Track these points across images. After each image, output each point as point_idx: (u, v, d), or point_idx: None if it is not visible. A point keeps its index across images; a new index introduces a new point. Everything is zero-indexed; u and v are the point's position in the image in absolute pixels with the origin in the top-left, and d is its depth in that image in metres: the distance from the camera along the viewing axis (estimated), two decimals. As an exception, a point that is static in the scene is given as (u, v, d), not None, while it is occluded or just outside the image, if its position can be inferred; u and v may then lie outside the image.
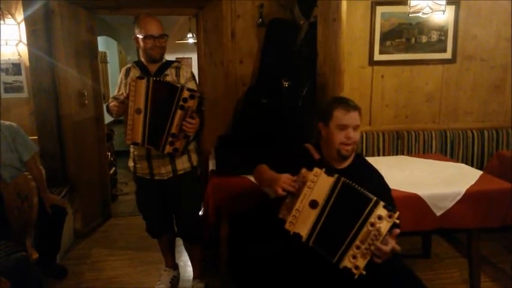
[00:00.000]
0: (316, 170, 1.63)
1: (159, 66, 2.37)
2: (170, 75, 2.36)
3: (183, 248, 2.89)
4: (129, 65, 2.48)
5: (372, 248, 1.55)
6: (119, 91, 2.44)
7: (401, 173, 2.55)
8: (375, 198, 1.59)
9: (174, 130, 2.13)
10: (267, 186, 1.89)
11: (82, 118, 3.51)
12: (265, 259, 1.81)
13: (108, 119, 4.05)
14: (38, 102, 3.21)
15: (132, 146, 2.38)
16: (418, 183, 2.37)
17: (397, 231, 1.61)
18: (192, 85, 2.37)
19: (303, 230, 1.61)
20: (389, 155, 3.26)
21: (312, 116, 3.13)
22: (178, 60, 2.52)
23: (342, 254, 1.57)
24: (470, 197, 2.29)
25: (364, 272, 1.56)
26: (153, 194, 2.48)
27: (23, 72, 3.23)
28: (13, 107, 3.23)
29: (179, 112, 2.11)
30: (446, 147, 3.32)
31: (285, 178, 1.71)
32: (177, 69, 2.40)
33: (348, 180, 1.62)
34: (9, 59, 3.19)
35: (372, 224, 1.56)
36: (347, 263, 1.57)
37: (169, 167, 2.38)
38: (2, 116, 2.82)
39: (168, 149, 2.16)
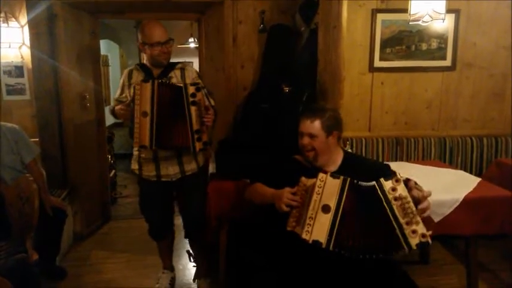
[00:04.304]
0: (321, 175, 1.64)
1: (162, 68, 2.35)
2: (175, 77, 2.34)
3: (183, 251, 2.89)
4: (131, 67, 2.44)
5: (414, 211, 1.57)
6: (121, 94, 2.40)
7: (400, 179, 2.56)
8: (376, 180, 1.62)
9: (196, 126, 2.15)
10: (268, 203, 1.85)
11: (83, 121, 3.52)
12: (264, 267, 1.81)
13: (108, 121, 4.06)
14: (40, 104, 3.23)
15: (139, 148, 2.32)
16: (416, 189, 2.38)
17: (412, 182, 1.65)
18: None
19: (321, 237, 1.58)
20: (388, 161, 3.26)
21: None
22: (181, 62, 2.50)
23: (404, 238, 1.56)
24: (469, 203, 2.30)
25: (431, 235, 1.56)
26: (159, 196, 2.47)
27: (25, 74, 3.25)
28: (15, 109, 3.25)
29: (193, 108, 2.12)
30: (445, 154, 3.33)
31: (287, 193, 1.70)
32: (182, 70, 2.39)
33: (355, 180, 1.64)
34: (12, 61, 3.21)
35: (395, 198, 1.59)
36: (414, 240, 1.55)
37: (177, 168, 2.38)
38: (4, 118, 2.84)
39: (198, 146, 2.17)
